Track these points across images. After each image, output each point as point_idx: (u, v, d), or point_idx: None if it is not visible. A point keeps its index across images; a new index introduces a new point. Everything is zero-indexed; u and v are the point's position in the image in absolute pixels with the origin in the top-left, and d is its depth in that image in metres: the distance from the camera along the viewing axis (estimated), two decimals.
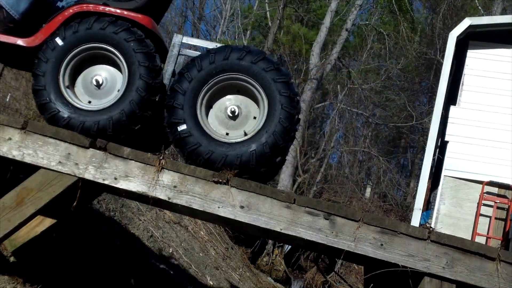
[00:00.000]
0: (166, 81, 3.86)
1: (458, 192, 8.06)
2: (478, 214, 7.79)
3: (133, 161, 3.50)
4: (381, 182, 18.97)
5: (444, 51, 9.38)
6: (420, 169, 10.06)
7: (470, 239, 7.49)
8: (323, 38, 16.79)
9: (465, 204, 7.97)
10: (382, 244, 3.33)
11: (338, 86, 19.98)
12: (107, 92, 3.74)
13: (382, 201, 20.20)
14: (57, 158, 3.50)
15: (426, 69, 24.28)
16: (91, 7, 3.73)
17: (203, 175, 3.46)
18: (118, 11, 3.74)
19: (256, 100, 3.67)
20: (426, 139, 9.12)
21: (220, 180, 3.43)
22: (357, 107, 19.57)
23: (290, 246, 14.93)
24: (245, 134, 3.57)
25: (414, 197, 9.86)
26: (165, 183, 3.47)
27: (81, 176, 3.48)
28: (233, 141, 3.54)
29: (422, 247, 3.32)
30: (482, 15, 17.70)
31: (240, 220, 3.42)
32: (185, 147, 3.54)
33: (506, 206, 7.78)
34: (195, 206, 3.44)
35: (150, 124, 3.78)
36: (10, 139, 3.51)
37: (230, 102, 3.72)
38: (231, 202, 3.42)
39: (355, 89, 19.04)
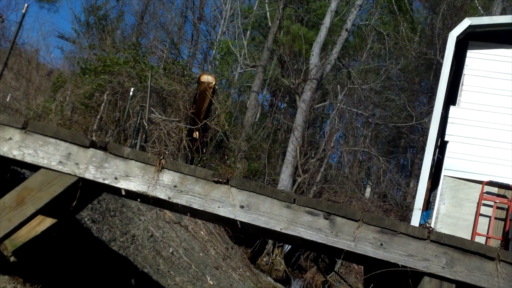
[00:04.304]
0: None
1: (458, 192, 8.05)
2: (478, 214, 7.79)
3: (133, 161, 3.50)
4: (381, 182, 18.96)
5: (444, 51, 9.38)
6: (420, 169, 10.05)
7: (470, 239, 7.49)
8: (323, 38, 16.78)
9: (465, 204, 7.97)
10: (382, 244, 3.33)
11: (338, 86, 19.97)
12: None
13: (382, 201, 20.17)
14: (57, 157, 3.50)
15: (426, 69, 24.29)
16: None
17: (203, 175, 3.46)
18: None
19: None
20: (426, 139, 9.11)
21: (220, 180, 3.44)
22: (357, 107, 19.55)
23: (290, 246, 14.93)
24: None
25: (414, 197, 9.85)
26: (165, 183, 3.47)
27: (81, 175, 3.49)
28: None
29: (422, 247, 3.32)
30: (482, 15, 17.70)
31: (240, 220, 3.42)
32: None
33: (506, 206, 7.78)
34: (195, 206, 3.45)
35: None
36: (10, 138, 3.51)
37: None
38: (231, 201, 3.42)
39: (355, 89, 19.03)
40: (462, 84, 8.47)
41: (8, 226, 3.42)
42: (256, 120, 20.40)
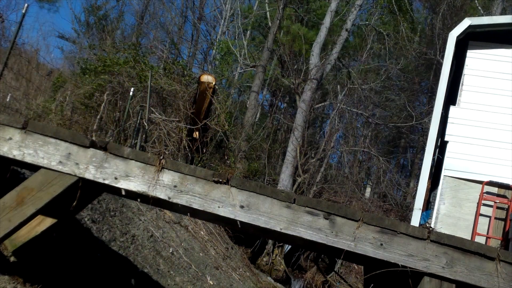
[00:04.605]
0: None
1: (458, 192, 8.05)
2: (478, 214, 7.79)
3: (133, 161, 3.50)
4: (381, 182, 18.96)
5: (444, 51, 9.38)
6: (420, 169, 10.05)
7: (470, 239, 7.49)
8: (323, 38, 16.78)
9: (465, 204, 7.97)
10: (382, 244, 3.33)
11: (338, 86, 19.98)
12: None
13: (382, 201, 20.19)
14: (57, 157, 3.50)
15: (426, 69, 24.30)
16: None
17: (203, 175, 3.46)
18: None
19: None
20: (426, 139, 9.11)
21: (220, 180, 3.44)
22: (357, 107, 19.56)
23: (290, 246, 14.93)
24: None
25: (414, 197, 9.85)
26: (165, 183, 3.47)
27: (81, 175, 3.49)
28: None
29: (422, 247, 3.32)
30: (482, 15, 17.70)
31: (240, 220, 3.42)
32: None
33: (506, 206, 7.78)
34: (195, 206, 3.45)
35: None
36: (10, 138, 3.51)
37: None
38: (231, 201, 3.42)
39: (355, 89, 19.03)
40: (462, 84, 8.47)
41: (8, 226, 3.42)
42: (256, 120, 20.41)
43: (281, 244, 14.63)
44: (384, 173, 18.82)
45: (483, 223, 7.79)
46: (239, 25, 23.53)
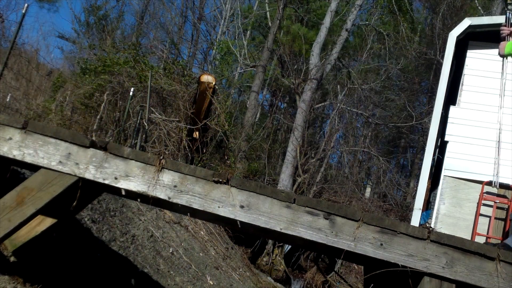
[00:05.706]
0: None
1: (458, 192, 8.05)
2: (478, 214, 7.79)
3: (133, 161, 3.50)
4: (381, 182, 18.97)
5: (444, 51, 9.38)
6: (420, 169, 10.06)
7: (470, 239, 7.49)
8: (323, 38, 16.78)
9: (465, 204, 7.97)
10: (382, 244, 3.33)
11: (338, 86, 19.99)
12: None
13: (382, 201, 20.20)
14: (57, 157, 3.50)
15: (426, 69, 24.31)
16: None
17: (203, 175, 3.46)
18: None
19: None
20: (426, 139, 9.12)
21: (220, 180, 3.44)
22: (357, 107, 19.57)
23: (290, 246, 14.93)
24: None
25: (414, 197, 9.85)
26: (165, 183, 3.47)
27: (81, 175, 3.48)
28: None
29: (421, 247, 3.32)
30: (482, 15, 17.71)
31: (240, 220, 3.42)
32: None
33: (506, 206, 7.78)
34: (195, 206, 3.44)
35: None
36: (10, 138, 3.51)
37: None
38: (231, 201, 3.42)
39: (355, 89, 19.04)
40: (462, 84, 8.47)
41: (8, 226, 3.42)
42: (256, 120, 20.42)
43: (281, 244, 14.64)
44: (384, 173, 18.83)
45: (483, 223, 7.79)
46: (239, 25, 23.54)
